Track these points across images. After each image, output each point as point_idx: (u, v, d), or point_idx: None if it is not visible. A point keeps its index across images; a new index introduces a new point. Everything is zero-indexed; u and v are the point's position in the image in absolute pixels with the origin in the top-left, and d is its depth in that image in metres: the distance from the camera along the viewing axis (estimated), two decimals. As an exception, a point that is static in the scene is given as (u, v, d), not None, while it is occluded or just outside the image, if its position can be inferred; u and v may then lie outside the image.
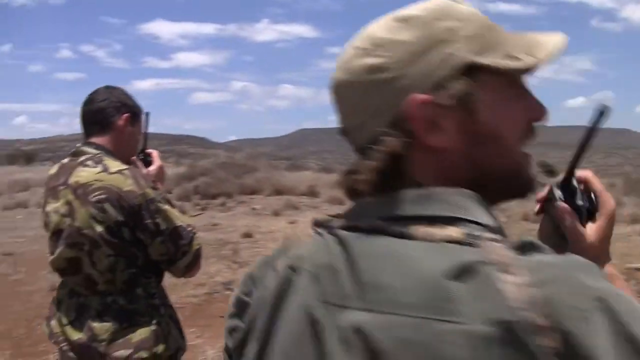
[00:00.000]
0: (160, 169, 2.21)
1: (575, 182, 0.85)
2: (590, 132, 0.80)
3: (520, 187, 0.73)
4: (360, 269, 0.62)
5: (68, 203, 1.90)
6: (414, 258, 0.60)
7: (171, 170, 20.52)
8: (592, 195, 0.86)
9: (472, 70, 0.66)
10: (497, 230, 0.64)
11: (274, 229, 9.78)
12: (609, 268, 0.84)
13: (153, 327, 1.92)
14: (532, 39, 0.71)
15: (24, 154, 40.74)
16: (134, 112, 2.09)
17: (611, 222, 0.86)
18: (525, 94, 0.71)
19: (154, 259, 1.95)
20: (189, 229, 1.96)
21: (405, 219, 0.63)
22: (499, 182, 0.70)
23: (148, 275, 1.99)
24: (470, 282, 0.56)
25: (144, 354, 1.88)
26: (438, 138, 0.66)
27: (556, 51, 0.69)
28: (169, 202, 1.96)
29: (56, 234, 1.96)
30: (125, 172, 1.92)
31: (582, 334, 0.53)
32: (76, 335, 1.92)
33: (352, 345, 0.59)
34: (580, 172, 0.87)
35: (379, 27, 0.69)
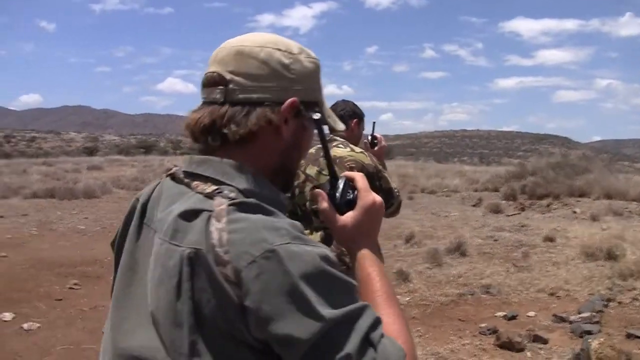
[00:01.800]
0: (381, 149, 3.28)
1: (341, 180, 1.08)
2: (324, 141, 1.08)
3: (288, 183, 1.08)
4: (161, 205, 0.98)
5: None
6: (179, 201, 0.94)
7: (504, 169, 20.46)
8: (355, 191, 1.07)
9: (318, 106, 1.05)
10: (250, 193, 0.94)
11: (581, 234, 9.19)
12: (364, 251, 1.03)
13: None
14: (334, 115, 1.12)
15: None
16: (360, 118, 3.20)
17: (368, 214, 1.05)
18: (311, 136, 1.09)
19: None
20: (395, 189, 3.03)
21: (193, 175, 0.98)
22: (285, 175, 1.06)
23: None
24: (192, 221, 0.88)
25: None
26: (285, 130, 1.00)
27: (341, 130, 1.13)
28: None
29: (318, 187, 3.22)
30: (365, 152, 2.99)
31: (246, 272, 0.82)
32: None
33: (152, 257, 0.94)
34: (349, 173, 1.11)
35: (294, 45, 1.04)
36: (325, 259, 0.86)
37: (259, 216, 0.88)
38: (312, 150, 3.17)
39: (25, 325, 5.20)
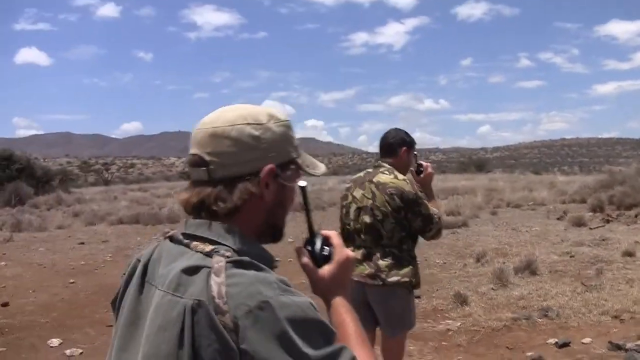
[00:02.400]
0: (427, 177, 3.51)
1: (318, 237, 1.24)
2: (306, 203, 1.22)
3: (276, 235, 1.18)
4: (162, 263, 1.10)
5: (372, 191, 3.33)
6: (180, 259, 1.06)
7: (592, 178, 19.30)
8: (331, 248, 1.23)
9: (295, 164, 1.16)
10: (243, 252, 1.06)
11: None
12: (339, 299, 1.19)
13: (412, 267, 3.31)
14: (313, 161, 1.23)
15: (475, 161, 43.66)
16: (410, 146, 3.48)
17: (342, 267, 1.21)
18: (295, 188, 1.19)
19: (414, 230, 3.34)
20: (436, 215, 3.34)
21: (191, 236, 1.10)
22: (272, 230, 1.17)
23: (411, 239, 3.37)
24: (193, 276, 1.01)
25: (406, 279, 3.27)
26: (267, 193, 1.11)
27: (321, 174, 1.23)
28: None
29: (361, 208, 3.40)
30: (407, 180, 3.34)
31: (243, 321, 0.94)
32: (366, 270, 3.30)
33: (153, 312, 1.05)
34: (325, 232, 1.26)
35: (263, 113, 1.13)
36: (310, 307, 1.00)
37: (253, 272, 1.01)
38: (360, 174, 3.53)
39: (67, 352, 5.42)
